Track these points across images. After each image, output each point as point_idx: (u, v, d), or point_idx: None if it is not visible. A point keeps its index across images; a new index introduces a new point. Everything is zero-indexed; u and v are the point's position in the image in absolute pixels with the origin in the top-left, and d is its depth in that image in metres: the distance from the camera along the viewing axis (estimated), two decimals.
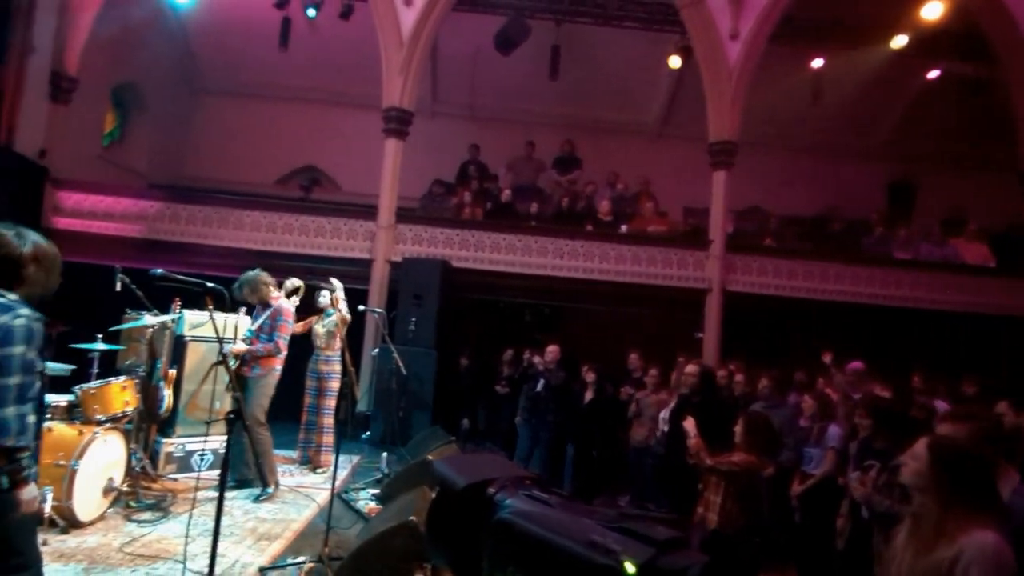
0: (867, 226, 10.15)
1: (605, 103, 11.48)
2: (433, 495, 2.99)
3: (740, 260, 9.13)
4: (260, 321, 5.19)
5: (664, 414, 5.81)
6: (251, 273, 5.29)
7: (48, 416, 4.13)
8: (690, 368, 5.52)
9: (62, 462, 3.93)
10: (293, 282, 5.81)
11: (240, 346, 5.06)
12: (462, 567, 1.74)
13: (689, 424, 3.81)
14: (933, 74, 10.40)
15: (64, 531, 3.92)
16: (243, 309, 5.59)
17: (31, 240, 2.26)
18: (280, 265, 7.47)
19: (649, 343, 7.40)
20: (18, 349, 2.09)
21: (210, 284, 3.29)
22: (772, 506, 4.57)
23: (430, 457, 4.76)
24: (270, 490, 5.08)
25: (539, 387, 6.73)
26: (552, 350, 6.84)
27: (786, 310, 8.94)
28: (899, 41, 9.40)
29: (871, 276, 9.07)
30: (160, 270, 3.25)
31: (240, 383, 4.99)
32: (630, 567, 1.28)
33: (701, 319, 8.94)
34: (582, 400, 6.61)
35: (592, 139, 11.21)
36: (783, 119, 10.47)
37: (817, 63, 10.04)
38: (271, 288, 5.32)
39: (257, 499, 4.98)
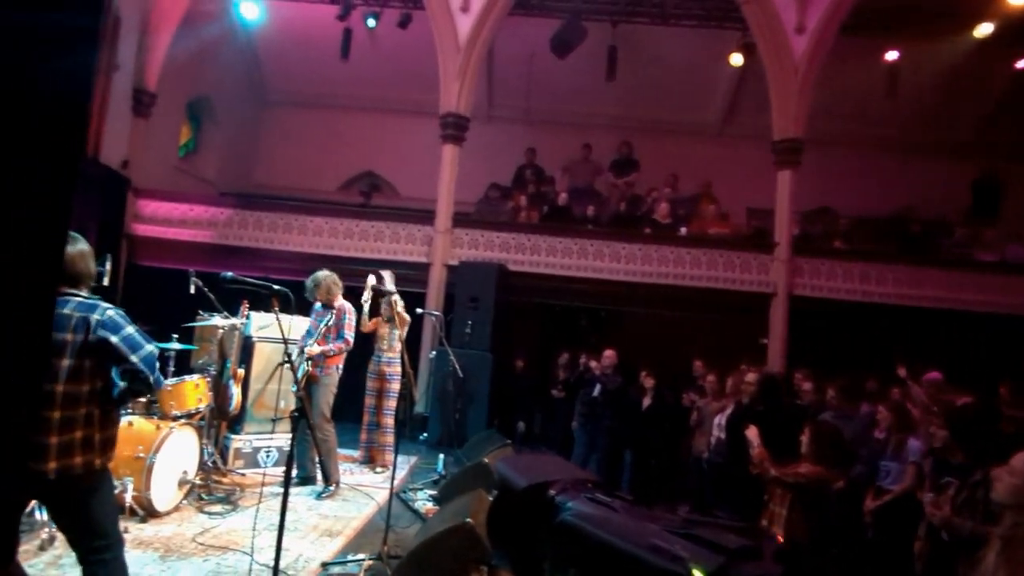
0: (947, 227, 9.53)
1: (663, 103, 11.25)
2: (490, 498, 3.00)
3: (807, 263, 8.78)
4: (327, 321, 5.31)
5: (719, 420, 5.62)
6: (324, 273, 5.48)
7: (129, 411, 4.38)
8: (751, 376, 5.33)
9: (141, 454, 4.14)
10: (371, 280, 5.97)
11: (316, 347, 5.17)
12: (522, 567, 1.72)
13: (752, 433, 3.66)
14: (1022, 63, 9.70)
15: (143, 520, 4.13)
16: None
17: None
18: (341, 269, 7.67)
19: (711, 349, 7.18)
20: (130, 328, 2.37)
21: (276, 287, 3.39)
22: (843, 521, 4.33)
23: (486, 460, 4.77)
24: (332, 488, 5.21)
25: (596, 392, 6.65)
26: (609, 355, 6.75)
27: (857, 315, 8.51)
28: (983, 29, 8.82)
29: (951, 279, 8.52)
30: (230, 273, 3.39)
31: (307, 384, 5.16)
32: (699, 575, 1.22)
33: (766, 325, 8.62)
34: (640, 406, 6.47)
35: (650, 140, 11.01)
36: (854, 115, 9.98)
37: (892, 55, 9.52)
38: (339, 289, 5.50)
39: (320, 496, 5.11)
